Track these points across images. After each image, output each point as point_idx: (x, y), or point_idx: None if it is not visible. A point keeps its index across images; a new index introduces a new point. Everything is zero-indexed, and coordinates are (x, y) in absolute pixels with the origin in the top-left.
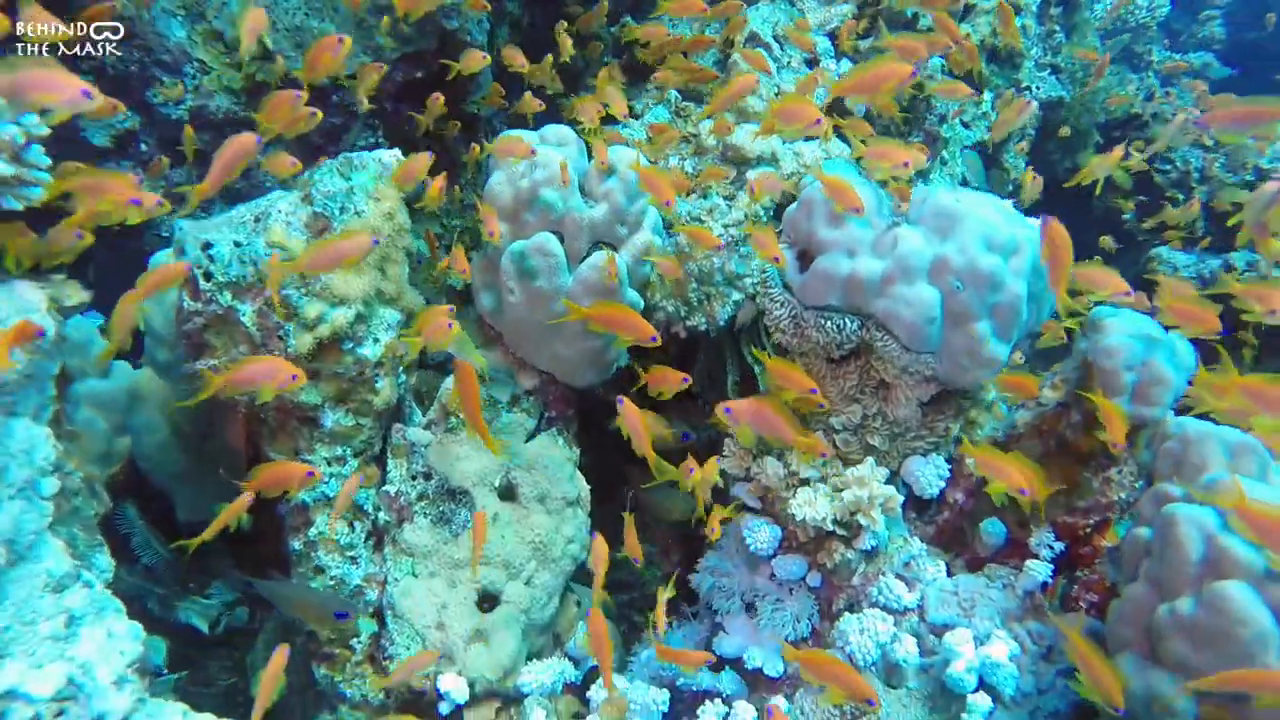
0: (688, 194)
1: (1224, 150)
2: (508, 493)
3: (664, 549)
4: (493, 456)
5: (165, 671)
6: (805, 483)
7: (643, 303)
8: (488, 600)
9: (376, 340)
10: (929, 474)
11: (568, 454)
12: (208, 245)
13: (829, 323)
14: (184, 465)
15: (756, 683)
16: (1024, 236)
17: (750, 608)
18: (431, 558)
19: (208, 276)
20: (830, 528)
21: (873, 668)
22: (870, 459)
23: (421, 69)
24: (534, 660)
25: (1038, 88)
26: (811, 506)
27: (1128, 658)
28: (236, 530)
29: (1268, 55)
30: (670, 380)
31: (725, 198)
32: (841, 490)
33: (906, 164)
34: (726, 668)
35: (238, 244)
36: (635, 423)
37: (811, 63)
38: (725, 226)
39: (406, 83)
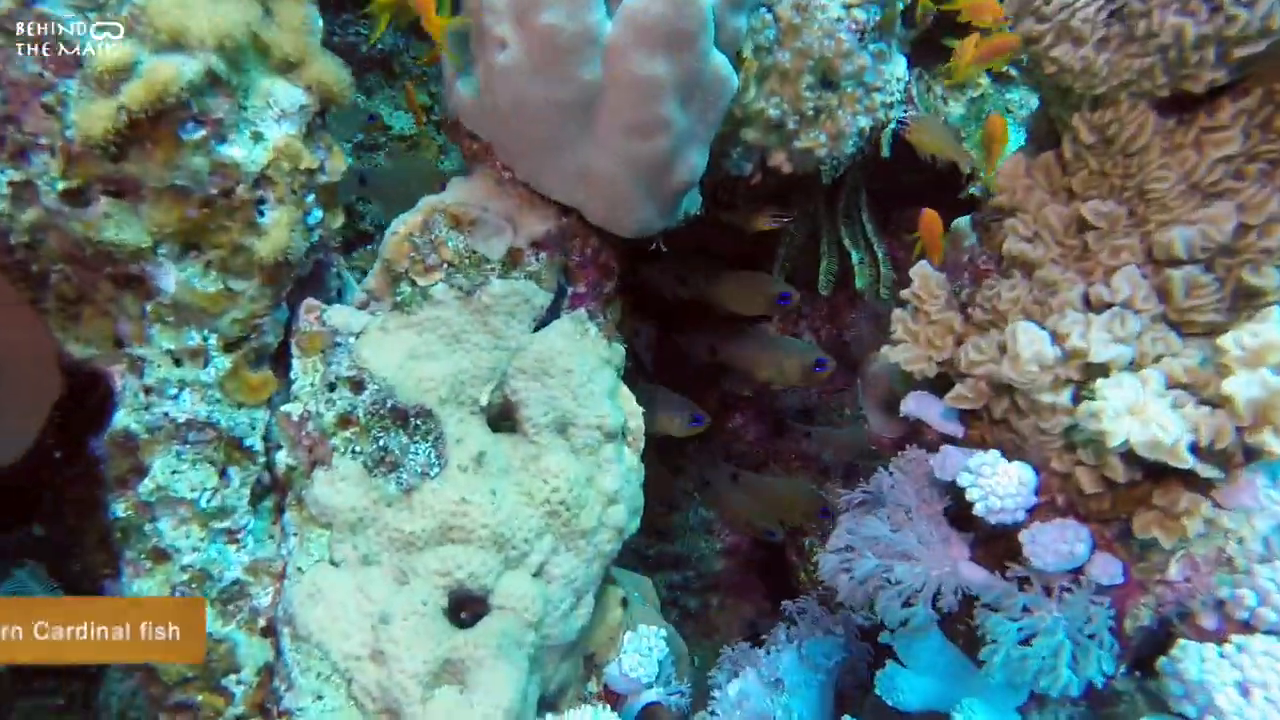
0: None
1: None
2: (502, 416)
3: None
4: (471, 355)
5: None
6: (1101, 371)
7: (735, 82)
8: (467, 605)
9: (259, 136)
10: None
11: (605, 352)
12: None
13: None
14: None
15: None
16: None
17: (955, 621)
18: (364, 531)
19: None
20: (1186, 462)
21: None
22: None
23: None
24: (552, 714)
25: None
26: (1141, 416)
27: None
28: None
29: None
30: None
31: None
32: (1197, 382)
33: None
34: None
35: None
36: None
37: None
38: (846, 6)
39: None
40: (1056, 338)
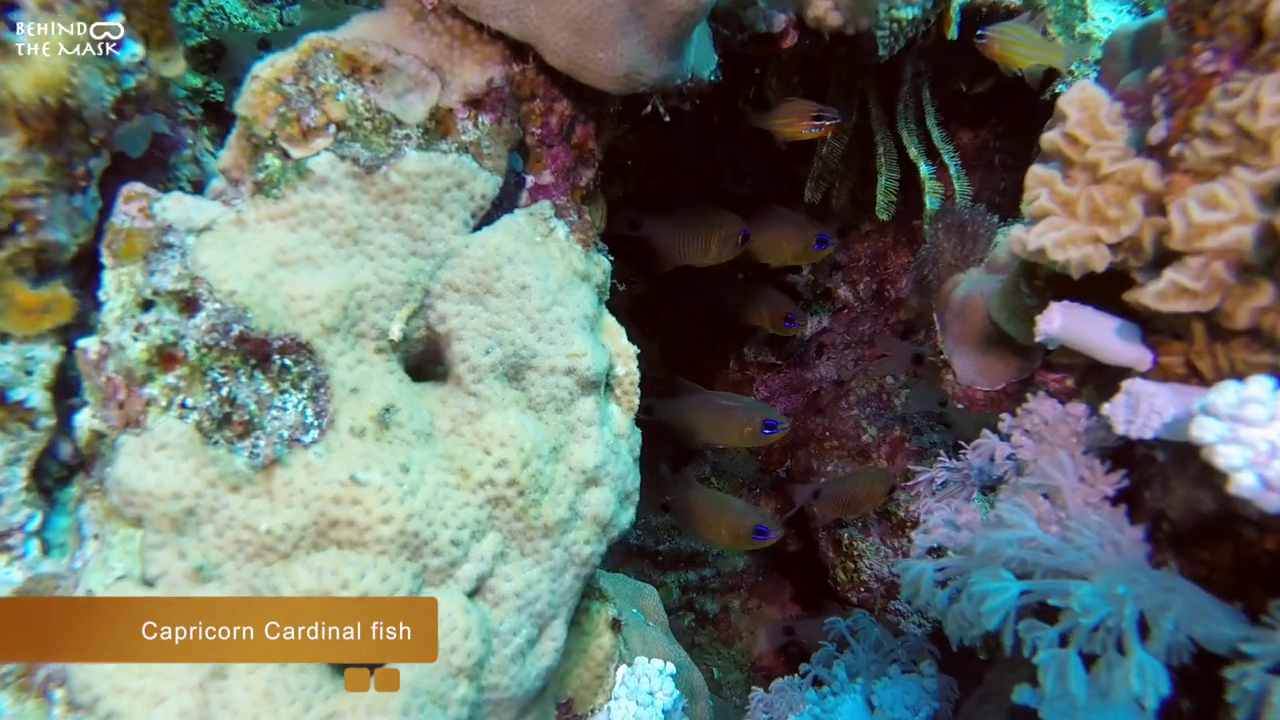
0: None
1: None
2: (428, 356)
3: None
4: (375, 262)
5: None
6: None
7: None
8: None
9: None
10: None
11: (580, 264)
12: None
13: None
14: None
15: None
16: None
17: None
18: (196, 529)
19: None
20: None
21: None
22: None
23: None
24: None
25: None
26: None
27: None
28: None
29: None
30: None
31: None
32: None
33: None
34: None
35: None
36: None
37: None
38: None
39: None
40: None
